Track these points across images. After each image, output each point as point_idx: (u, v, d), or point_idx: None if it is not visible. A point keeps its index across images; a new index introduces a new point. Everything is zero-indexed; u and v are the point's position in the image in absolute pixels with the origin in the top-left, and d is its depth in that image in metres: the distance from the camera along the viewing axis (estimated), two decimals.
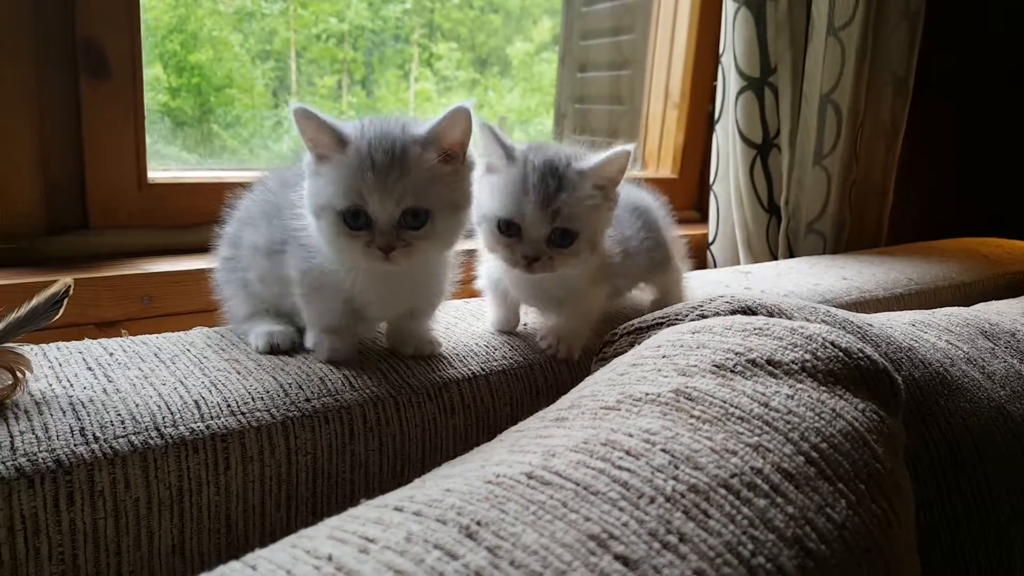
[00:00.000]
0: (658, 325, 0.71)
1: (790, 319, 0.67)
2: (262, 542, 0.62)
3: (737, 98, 1.50)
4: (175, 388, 0.64)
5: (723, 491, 0.37)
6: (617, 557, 0.33)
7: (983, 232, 1.94)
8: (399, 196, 0.66)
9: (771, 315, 0.68)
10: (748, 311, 0.67)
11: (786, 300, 0.73)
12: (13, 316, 0.59)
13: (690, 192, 1.98)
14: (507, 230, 0.77)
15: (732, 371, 0.47)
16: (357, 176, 0.66)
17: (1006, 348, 0.80)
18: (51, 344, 0.72)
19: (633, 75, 2.12)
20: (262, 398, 0.65)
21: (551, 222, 0.75)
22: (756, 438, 0.41)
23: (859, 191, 1.70)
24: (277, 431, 0.63)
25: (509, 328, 0.87)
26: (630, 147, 0.78)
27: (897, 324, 0.80)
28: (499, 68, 2.01)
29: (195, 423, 0.60)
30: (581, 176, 0.76)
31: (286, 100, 1.50)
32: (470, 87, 1.92)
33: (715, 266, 1.68)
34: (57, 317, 0.61)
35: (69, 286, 0.62)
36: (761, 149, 1.52)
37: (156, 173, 1.20)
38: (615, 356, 0.73)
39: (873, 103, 1.64)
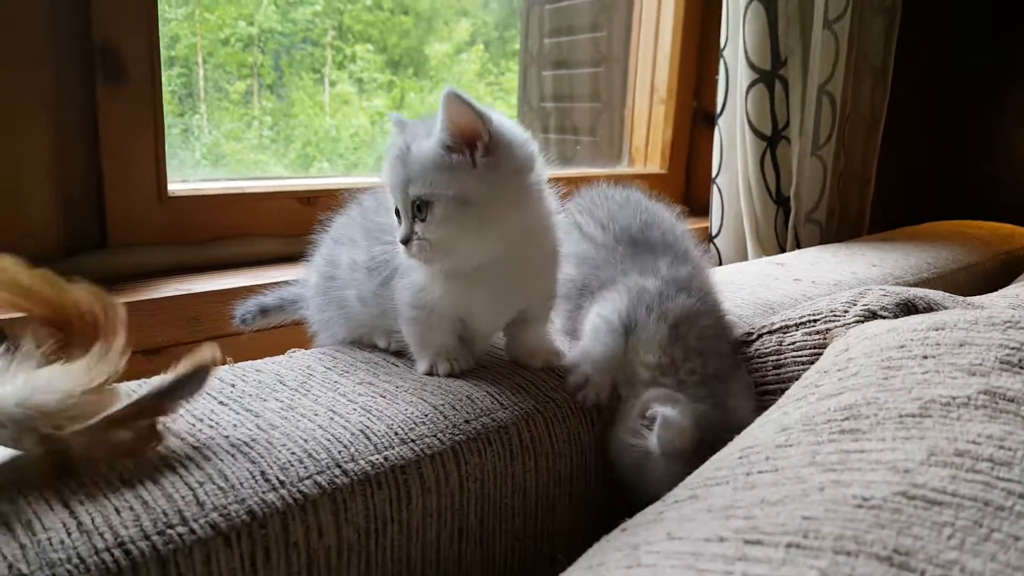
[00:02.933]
0: (810, 322, 0.69)
1: (948, 308, 0.66)
2: None
3: (748, 91, 1.50)
4: (331, 419, 0.58)
5: None
6: None
7: (946, 216, 2.01)
8: (404, 186, 0.64)
9: (930, 307, 0.66)
10: (909, 304, 0.66)
11: (922, 291, 0.72)
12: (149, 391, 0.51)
13: (679, 187, 1.99)
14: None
15: (1022, 367, 0.45)
16: (386, 174, 0.67)
17: None
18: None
19: (609, 71, 2.11)
20: (424, 423, 0.59)
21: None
22: None
23: (845, 180, 1.74)
24: (449, 458, 0.58)
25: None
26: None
27: None
28: (413, 70, 1.98)
29: (372, 455, 0.54)
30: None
31: (193, 107, 1.43)
32: (388, 89, 1.89)
33: (720, 260, 1.68)
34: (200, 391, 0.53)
35: (216, 357, 0.53)
36: (771, 141, 1.53)
37: (176, 185, 1.11)
38: (773, 354, 0.71)
39: (855, 94, 1.68)
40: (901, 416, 0.42)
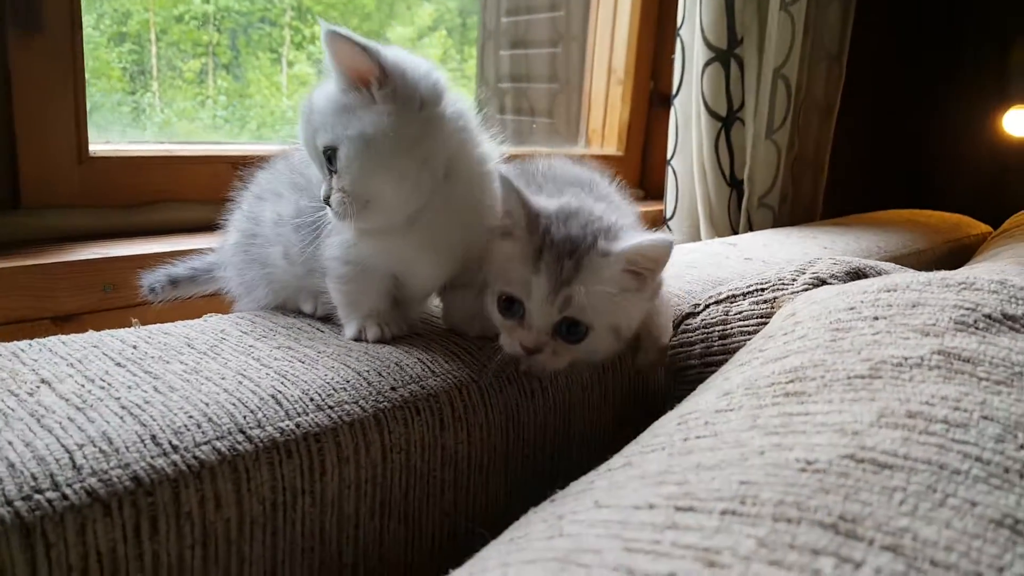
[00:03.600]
0: (758, 291, 0.66)
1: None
2: (355, 558, 0.52)
3: (704, 70, 1.48)
4: (240, 383, 0.52)
5: None
6: None
7: (897, 205, 2.02)
8: (313, 139, 0.63)
9: (879, 275, 0.64)
10: (859, 273, 0.63)
11: (872, 261, 0.70)
12: None
13: (636, 169, 1.96)
14: (508, 308, 0.64)
15: (977, 328, 0.42)
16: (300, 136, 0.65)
17: None
18: (52, 338, 0.58)
19: (567, 52, 2.07)
20: (344, 389, 0.54)
21: (561, 309, 0.62)
22: None
23: (799, 165, 1.73)
24: (371, 426, 0.53)
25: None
26: (671, 238, 0.64)
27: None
28: None
29: (282, 422, 0.49)
30: (608, 262, 0.62)
31: (146, 85, 1.37)
32: None
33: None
34: None
35: None
36: (726, 122, 1.51)
37: (98, 146, 1.03)
38: (719, 324, 0.68)
39: (810, 79, 1.66)
40: (850, 378, 0.39)
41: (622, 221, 0.66)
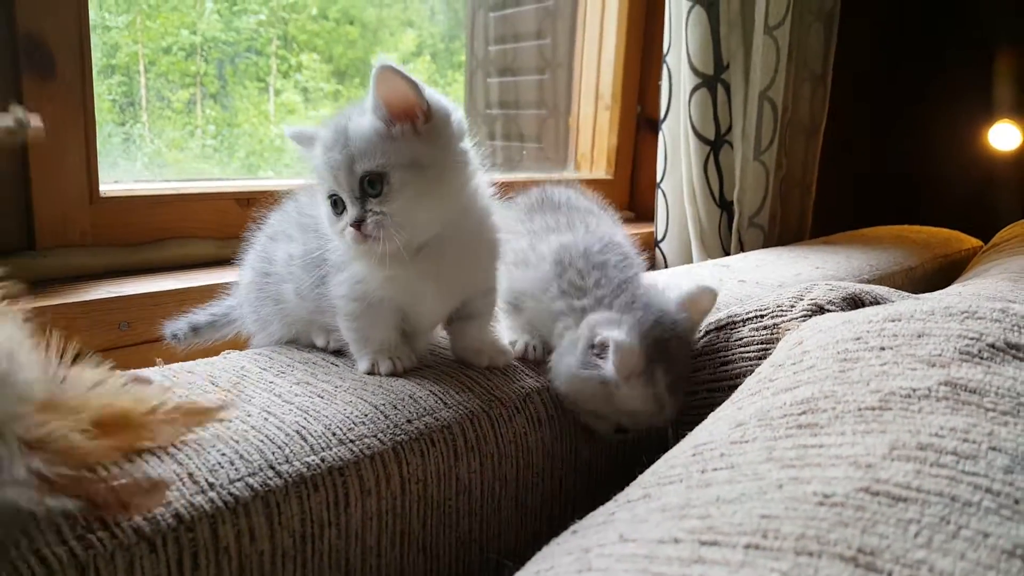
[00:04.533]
0: (757, 318, 0.69)
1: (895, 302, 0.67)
2: None
3: (691, 96, 1.52)
4: (265, 419, 0.55)
5: None
6: None
7: (886, 221, 2.06)
8: (349, 166, 0.64)
9: (877, 302, 0.67)
10: (856, 299, 0.66)
11: (868, 286, 0.73)
12: None
13: (624, 192, 2.00)
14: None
15: (982, 357, 0.45)
16: (321, 161, 0.66)
17: None
18: None
19: (554, 78, 2.12)
20: (363, 423, 0.57)
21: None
22: None
23: (787, 185, 1.78)
24: (390, 458, 0.56)
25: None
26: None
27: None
28: (360, 79, 1.97)
29: (308, 457, 0.52)
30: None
31: (135, 116, 1.41)
32: (335, 98, 1.89)
33: (665, 264, 1.69)
34: None
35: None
36: (714, 145, 1.55)
37: (108, 186, 1.07)
38: (721, 351, 0.71)
39: (795, 100, 1.71)
40: (860, 409, 0.42)
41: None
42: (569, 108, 2.02)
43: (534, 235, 0.78)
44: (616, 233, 0.81)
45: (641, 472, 0.49)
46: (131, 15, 1.45)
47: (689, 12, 1.48)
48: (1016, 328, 0.48)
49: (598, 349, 0.66)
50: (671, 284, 0.82)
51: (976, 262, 1.47)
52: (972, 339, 0.47)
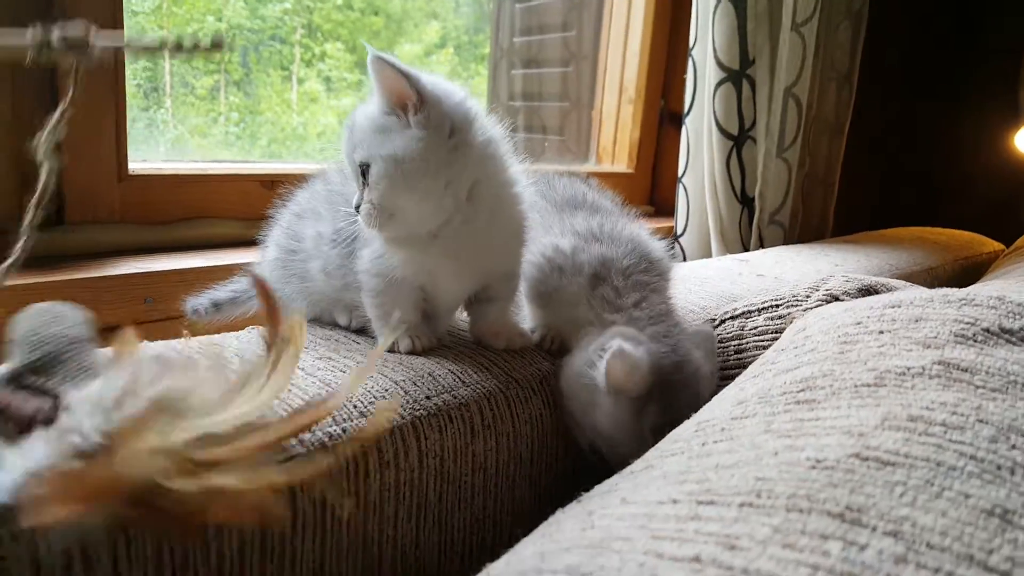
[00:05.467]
0: (772, 307, 0.69)
1: None
2: (394, 560, 0.56)
3: (716, 90, 1.52)
4: (288, 391, 0.57)
5: None
6: None
7: (908, 222, 2.05)
8: (351, 153, 0.66)
9: (890, 292, 0.67)
10: (871, 290, 0.67)
11: (883, 279, 0.73)
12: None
13: (646, 186, 2.00)
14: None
15: (975, 340, 0.46)
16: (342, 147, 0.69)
17: None
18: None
19: (578, 71, 2.12)
20: (384, 397, 0.59)
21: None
22: None
23: (809, 183, 1.77)
24: (408, 432, 0.57)
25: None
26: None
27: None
28: None
29: (330, 427, 0.54)
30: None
31: (159, 102, 1.42)
32: (357, 88, 1.90)
33: (684, 258, 1.70)
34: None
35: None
36: (737, 141, 1.55)
37: (137, 164, 1.08)
38: (735, 339, 0.71)
39: (820, 98, 1.70)
40: (856, 386, 0.43)
41: None
42: (592, 101, 2.02)
43: (576, 236, 0.77)
44: (651, 243, 0.79)
45: None
46: (158, 0, 1.47)
47: (716, 6, 1.47)
48: (1011, 314, 0.49)
49: (605, 352, 0.63)
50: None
51: (998, 265, 1.46)
52: (967, 323, 0.48)
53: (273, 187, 1.21)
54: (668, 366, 0.64)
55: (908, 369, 0.43)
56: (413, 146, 0.63)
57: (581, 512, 0.41)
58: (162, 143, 1.43)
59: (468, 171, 0.66)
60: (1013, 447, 0.36)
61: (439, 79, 0.67)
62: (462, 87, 0.68)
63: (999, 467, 0.35)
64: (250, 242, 1.17)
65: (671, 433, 0.51)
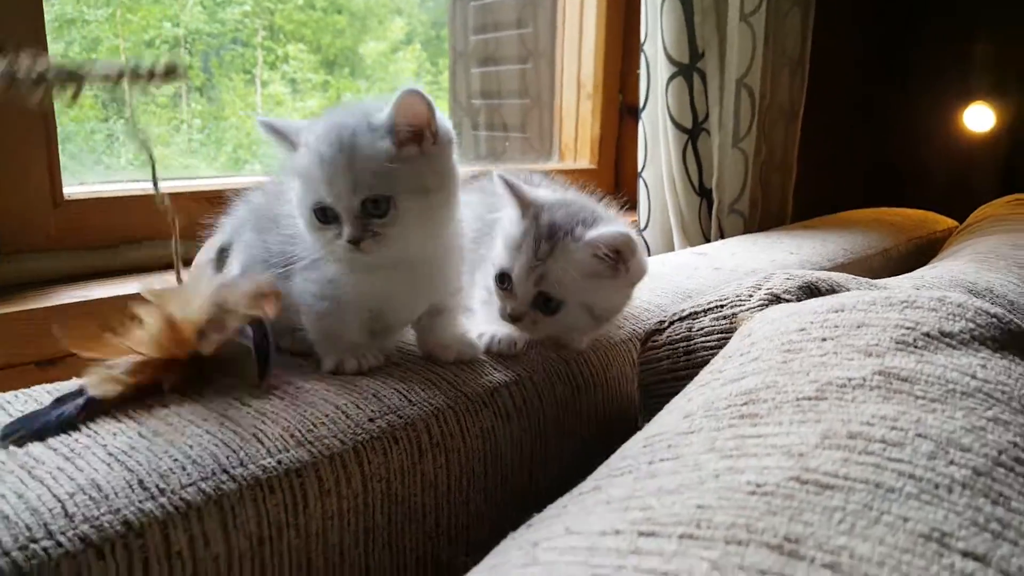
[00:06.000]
0: (717, 307, 0.69)
1: (852, 290, 0.67)
2: None
3: (668, 84, 1.51)
4: (221, 423, 0.55)
5: (1001, 470, 0.35)
6: (965, 554, 0.30)
7: (866, 203, 2.07)
8: (351, 188, 0.63)
9: (833, 289, 0.67)
10: (812, 287, 0.66)
11: (825, 274, 0.73)
12: None
13: (609, 181, 1.99)
14: (502, 282, 0.75)
15: (915, 347, 0.45)
16: (314, 172, 0.64)
17: None
18: (38, 387, 0.60)
19: (536, 67, 2.11)
20: (324, 424, 0.57)
21: (536, 284, 0.72)
22: (990, 411, 0.39)
23: (767, 170, 1.77)
24: (350, 458, 0.56)
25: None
26: (629, 231, 0.74)
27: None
28: (349, 69, 1.97)
29: (264, 459, 0.52)
30: (578, 246, 0.72)
31: (118, 113, 1.39)
32: (322, 89, 1.88)
33: (648, 252, 1.69)
34: None
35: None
36: (691, 133, 1.54)
37: (72, 188, 1.05)
38: (683, 341, 0.70)
39: (774, 86, 1.70)
40: (798, 399, 0.42)
41: (603, 215, 0.76)
42: (552, 98, 2.01)
43: None
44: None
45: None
46: (111, 8, 1.43)
47: (663, 1, 1.47)
48: (951, 316, 0.48)
49: None
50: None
51: (950, 242, 1.47)
52: (908, 328, 0.47)
53: (218, 204, 1.19)
54: None
55: (849, 380, 0.42)
56: (436, 177, 0.66)
57: (526, 543, 0.39)
58: (123, 154, 1.39)
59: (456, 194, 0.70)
60: (951, 463, 0.35)
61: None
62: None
63: (936, 486, 0.34)
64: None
65: (622, 447, 0.50)
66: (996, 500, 0.33)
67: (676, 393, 0.71)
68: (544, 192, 0.78)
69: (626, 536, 0.34)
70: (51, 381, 0.63)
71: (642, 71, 1.60)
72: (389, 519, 0.58)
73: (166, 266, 1.11)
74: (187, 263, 1.12)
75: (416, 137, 0.64)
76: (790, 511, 0.33)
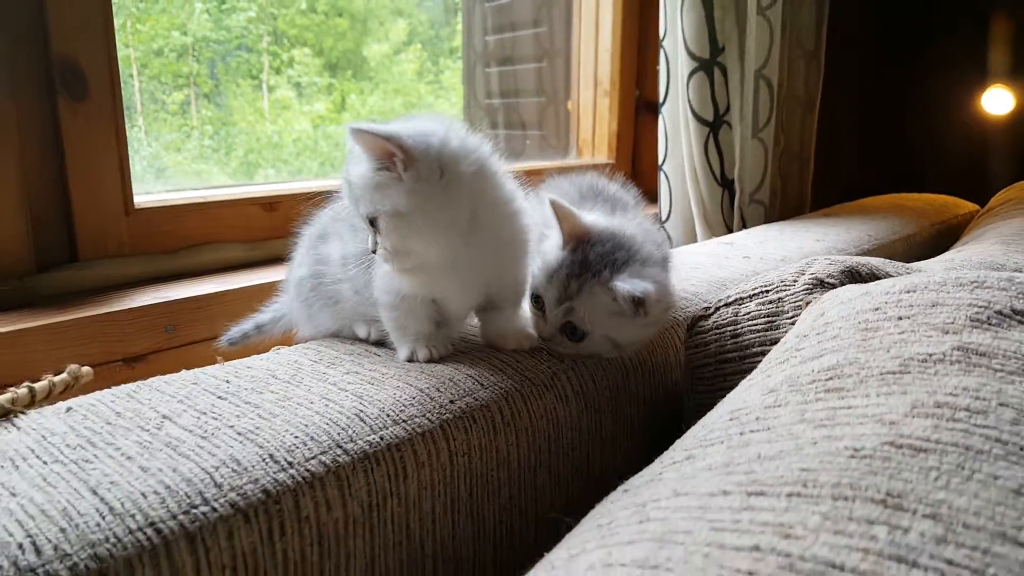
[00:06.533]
0: (763, 293, 0.75)
1: (897, 275, 0.73)
2: (434, 551, 0.61)
3: (689, 79, 1.57)
4: (327, 405, 0.62)
5: None
6: None
7: (884, 189, 2.11)
8: (355, 205, 0.72)
9: (873, 274, 0.73)
10: (853, 271, 0.72)
11: (863, 259, 0.79)
12: None
13: (627, 175, 2.05)
14: (536, 302, 0.79)
15: (990, 324, 0.51)
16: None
17: None
18: (155, 379, 0.67)
19: (552, 66, 2.16)
20: (413, 405, 0.64)
21: (564, 315, 0.76)
22: None
23: (786, 160, 1.82)
24: (438, 435, 0.63)
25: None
26: (651, 287, 0.72)
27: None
28: (352, 71, 2.00)
29: (369, 436, 0.59)
30: (603, 290, 0.74)
31: (130, 120, 1.44)
32: (328, 92, 1.91)
33: (671, 243, 1.75)
34: None
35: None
36: (713, 126, 1.60)
37: (141, 197, 1.12)
38: (730, 325, 0.77)
39: (790, 77, 1.76)
40: (882, 374, 0.47)
41: (639, 255, 0.77)
42: (569, 95, 2.07)
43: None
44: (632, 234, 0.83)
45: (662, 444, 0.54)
46: (120, 19, 1.47)
47: None
48: (1021, 296, 0.54)
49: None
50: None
51: (973, 226, 1.52)
52: (981, 307, 0.53)
53: (273, 209, 1.26)
54: None
55: (930, 356, 0.48)
56: (412, 200, 0.68)
57: (632, 504, 0.45)
58: (136, 162, 1.44)
59: (464, 204, 0.71)
60: None
61: (417, 124, 0.71)
62: (440, 121, 0.72)
63: (1021, 448, 0.40)
64: (255, 264, 1.22)
65: (702, 421, 0.55)
66: None
67: (723, 374, 0.77)
68: (592, 219, 0.79)
69: (736, 496, 0.40)
70: (140, 378, 0.69)
71: (661, 67, 1.66)
72: (470, 491, 0.65)
73: (223, 268, 1.19)
74: (242, 266, 1.20)
75: (389, 161, 0.68)
76: (889, 471, 0.38)
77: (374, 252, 0.71)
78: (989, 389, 0.44)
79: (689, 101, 1.59)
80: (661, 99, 1.68)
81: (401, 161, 0.67)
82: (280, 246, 1.23)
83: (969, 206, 1.91)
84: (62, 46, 1.00)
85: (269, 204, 1.25)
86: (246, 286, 1.09)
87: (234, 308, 1.02)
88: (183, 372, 0.69)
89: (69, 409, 0.60)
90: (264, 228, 1.24)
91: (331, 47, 1.91)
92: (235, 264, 1.20)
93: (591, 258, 0.75)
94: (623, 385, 0.81)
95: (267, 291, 0.95)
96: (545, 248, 0.79)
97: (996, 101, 2.36)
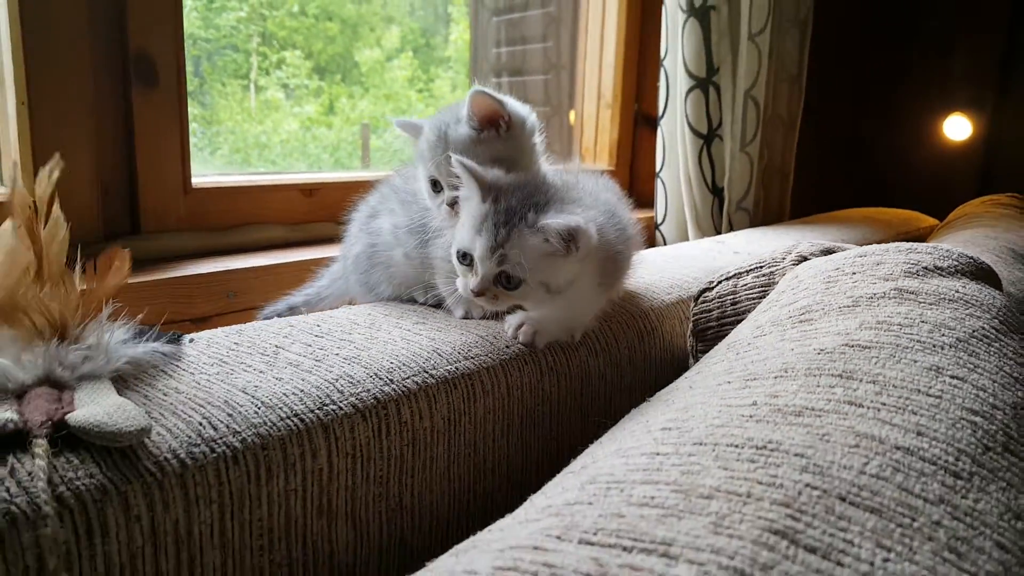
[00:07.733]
0: (757, 268, 0.89)
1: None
2: (493, 464, 0.74)
3: (687, 96, 1.72)
4: (407, 343, 0.74)
5: (974, 340, 0.56)
6: (953, 377, 0.50)
7: (856, 204, 2.29)
8: (448, 162, 0.83)
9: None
10: (831, 251, 0.86)
11: (839, 244, 0.93)
12: None
13: (625, 182, 2.20)
14: (463, 259, 0.79)
15: (918, 275, 0.65)
16: (427, 153, 0.88)
17: None
18: (247, 325, 0.79)
19: (558, 79, 2.31)
20: (477, 346, 0.76)
21: (498, 264, 0.76)
22: (967, 310, 0.60)
23: (768, 173, 1.98)
24: (499, 371, 0.75)
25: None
26: (580, 220, 0.75)
27: None
28: (341, 75, 2.05)
29: (447, 366, 0.71)
30: (532, 232, 0.75)
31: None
32: (316, 95, 1.96)
33: (664, 244, 1.89)
34: None
35: None
36: (707, 139, 1.75)
37: (198, 179, 1.24)
38: (730, 294, 0.90)
39: (775, 98, 1.92)
40: (840, 307, 0.62)
41: (557, 195, 0.81)
42: (573, 106, 2.21)
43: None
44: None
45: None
46: None
47: (685, 23, 1.68)
48: (942, 257, 0.70)
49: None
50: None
51: (932, 237, 1.69)
52: (912, 264, 0.68)
53: (312, 195, 1.38)
54: None
55: (875, 295, 0.62)
56: (509, 149, 0.85)
57: (658, 400, 0.59)
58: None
59: (536, 165, 0.89)
60: (942, 335, 0.56)
61: (514, 100, 0.89)
62: (528, 107, 0.90)
63: (934, 345, 0.55)
64: (295, 244, 1.33)
65: (706, 356, 0.70)
66: (969, 359, 0.54)
67: (724, 336, 0.91)
68: (497, 173, 0.81)
69: (736, 382, 0.54)
70: None
71: (661, 83, 1.81)
72: (521, 422, 0.78)
73: (267, 247, 1.31)
74: (283, 245, 1.32)
75: (493, 122, 0.85)
76: (844, 359, 0.53)
77: (450, 204, 0.84)
78: (915, 313, 0.58)
79: (686, 115, 1.74)
80: (660, 113, 1.82)
81: (505, 122, 0.84)
82: (317, 228, 1.35)
83: (931, 220, 2.09)
84: (139, 39, 1.11)
85: (309, 190, 1.37)
86: (290, 261, 1.21)
87: (282, 280, 1.14)
88: (276, 320, 0.81)
89: (192, 339, 0.71)
90: (304, 212, 1.36)
91: (320, 50, 1.96)
92: (278, 243, 1.32)
93: (514, 204, 0.77)
94: (638, 345, 0.94)
95: (308, 268, 1.08)
96: (466, 205, 0.81)
97: (956, 128, 2.57)
